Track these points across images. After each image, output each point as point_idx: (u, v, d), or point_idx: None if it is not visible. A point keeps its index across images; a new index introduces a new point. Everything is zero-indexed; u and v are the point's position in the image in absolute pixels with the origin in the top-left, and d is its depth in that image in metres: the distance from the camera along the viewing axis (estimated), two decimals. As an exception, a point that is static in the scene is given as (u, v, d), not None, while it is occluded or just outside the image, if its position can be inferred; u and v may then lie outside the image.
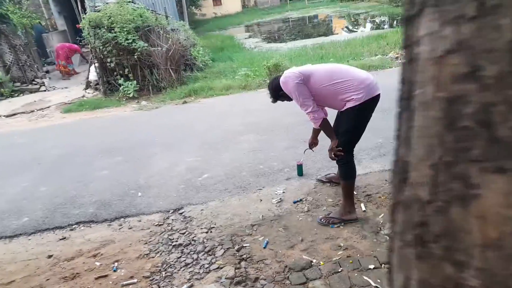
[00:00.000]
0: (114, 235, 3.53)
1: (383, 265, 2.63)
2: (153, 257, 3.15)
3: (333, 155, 3.04)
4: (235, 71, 10.04)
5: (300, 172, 4.05)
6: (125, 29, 8.91)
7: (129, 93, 9.15)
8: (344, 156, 3.00)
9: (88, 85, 10.11)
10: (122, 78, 9.35)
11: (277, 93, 3.18)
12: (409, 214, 0.61)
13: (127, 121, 7.25)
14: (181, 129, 6.25)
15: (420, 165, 0.57)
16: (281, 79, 3.07)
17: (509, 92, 0.45)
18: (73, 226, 3.76)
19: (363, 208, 3.34)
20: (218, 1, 35.58)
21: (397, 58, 9.04)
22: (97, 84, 9.90)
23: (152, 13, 9.90)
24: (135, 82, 9.29)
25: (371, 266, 2.62)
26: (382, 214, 3.24)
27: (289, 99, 3.19)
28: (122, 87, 9.24)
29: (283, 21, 25.73)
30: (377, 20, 21.06)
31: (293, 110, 6.09)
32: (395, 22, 18.90)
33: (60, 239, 3.56)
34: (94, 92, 9.91)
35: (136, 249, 3.28)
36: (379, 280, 2.50)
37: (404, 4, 0.57)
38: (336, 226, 3.14)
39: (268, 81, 8.34)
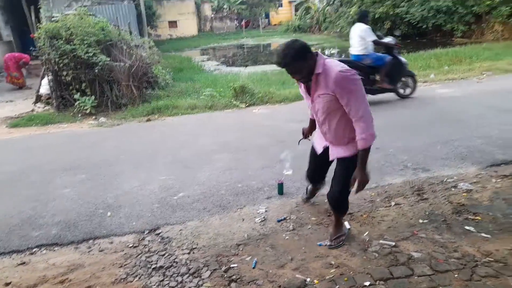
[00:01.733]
0: (82, 259, 3.20)
1: (377, 281, 2.62)
2: (131, 281, 2.88)
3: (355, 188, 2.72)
4: (198, 92, 9.95)
5: (280, 191, 4.01)
6: (85, 42, 8.52)
7: (86, 109, 8.66)
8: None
9: (38, 98, 9.42)
10: (78, 93, 8.84)
11: (300, 56, 2.40)
12: None
13: (86, 137, 6.80)
14: (149, 147, 5.97)
15: None
16: (336, 67, 2.42)
17: None
18: (33, 250, 3.36)
19: (348, 226, 3.36)
20: (174, 24, 35.60)
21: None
22: (49, 98, 9.25)
23: (115, 27, 9.59)
24: (93, 97, 8.82)
25: (367, 283, 2.61)
26: (367, 232, 3.28)
27: (309, 74, 2.51)
28: (78, 102, 8.72)
29: (239, 47, 26.29)
30: (327, 52, 22.23)
31: (265, 132, 6.16)
32: (344, 55, 20.11)
33: (19, 264, 3.16)
34: (45, 106, 9.24)
35: (110, 273, 2.99)
36: (377, 297, 2.49)
37: None
38: (329, 244, 3.11)
39: (234, 102, 8.41)
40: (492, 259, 2.77)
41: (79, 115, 8.62)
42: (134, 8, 12.87)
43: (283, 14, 44.17)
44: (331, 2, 30.33)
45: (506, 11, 17.78)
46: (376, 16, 20.71)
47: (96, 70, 8.54)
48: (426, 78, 9.83)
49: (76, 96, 8.77)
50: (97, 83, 9.04)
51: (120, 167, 5.08)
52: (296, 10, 39.71)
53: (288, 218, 3.57)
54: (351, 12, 22.87)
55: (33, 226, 3.70)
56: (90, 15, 9.73)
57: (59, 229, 3.63)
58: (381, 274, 2.68)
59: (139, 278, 2.91)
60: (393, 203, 3.73)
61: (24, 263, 3.17)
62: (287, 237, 3.27)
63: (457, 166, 4.48)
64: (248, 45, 26.69)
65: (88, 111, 8.66)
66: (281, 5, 45.22)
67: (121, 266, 3.07)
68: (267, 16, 44.36)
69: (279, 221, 3.52)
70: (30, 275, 3.02)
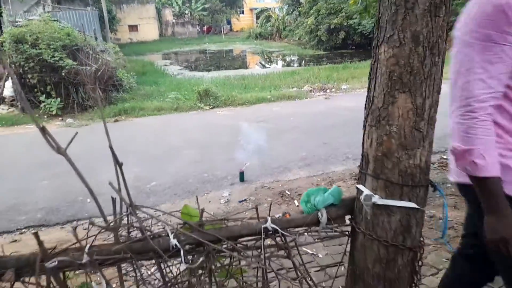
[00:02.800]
0: (70, 236, 3.69)
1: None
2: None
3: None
4: (163, 95, 10.42)
5: (242, 178, 4.69)
6: (51, 47, 8.76)
7: (52, 111, 8.88)
8: None
9: (2, 100, 9.47)
10: (43, 95, 9.03)
11: None
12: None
13: (56, 137, 7.07)
14: (120, 144, 6.42)
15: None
16: None
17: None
18: (23, 230, 3.79)
19: (296, 204, 4.09)
20: (134, 28, 35.34)
21: (310, 91, 10.43)
22: (13, 100, 9.36)
23: (81, 33, 9.87)
24: (58, 99, 9.05)
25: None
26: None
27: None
28: (43, 104, 8.92)
29: (202, 52, 26.79)
30: (288, 58, 23.36)
31: (228, 131, 6.82)
32: (303, 62, 21.31)
33: (11, 242, 3.58)
34: (9, 108, 9.32)
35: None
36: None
37: (374, 38, 1.21)
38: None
39: (198, 104, 8.99)
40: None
41: (45, 116, 8.82)
42: (97, 15, 13.09)
43: (244, 21, 45.19)
44: (290, 12, 31.74)
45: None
46: (332, 26, 22.07)
47: (63, 73, 8.79)
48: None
49: (42, 98, 8.96)
50: (62, 86, 9.27)
51: (94, 163, 5.51)
52: (257, 17, 40.86)
53: (248, 199, 4.24)
54: (308, 22, 24.18)
55: (19, 212, 4.11)
56: (54, 20, 9.94)
57: (43, 213, 4.07)
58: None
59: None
60: (334, 186, 4.52)
61: (15, 240, 3.59)
62: (247, 213, 3.94)
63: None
64: (210, 51, 27.23)
65: (54, 113, 8.88)
66: (242, 12, 46.24)
67: (104, 240, 3.59)
68: (229, 22, 45.16)
69: (240, 201, 4.19)
70: (25, 249, 3.46)
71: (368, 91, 1.14)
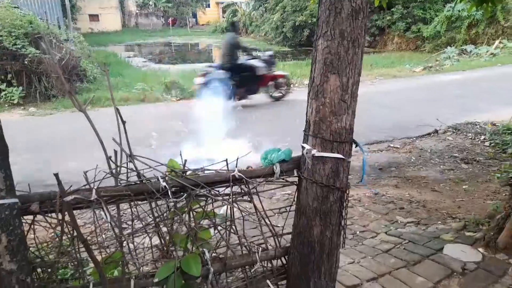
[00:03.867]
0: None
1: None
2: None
3: None
4: (128, 86, 10.45)
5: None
6: (13, 34, 8.57)
7: (13, 99, 8.71)
8: None
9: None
10: (4, 84, 8.82)
11: None
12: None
13: (21, 125, 7.06)
14: (88, 133, 6.52)
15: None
16: None
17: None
18: None
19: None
20: (95, 17, 34.28)
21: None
22: (-30, 88, 9.04)
23: (43, 21, 9.68)
24: (20, 88, 8.88)
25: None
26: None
27: None
28: (4, 92, 8.72)
29: (166, 45, 26.56)
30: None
31: (195, 118, 7.16)
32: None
33: None
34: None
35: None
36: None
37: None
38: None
39: (165, 96, 9.15)
40: (351, 198, 4.10)
41: (6, 105, 8.63)
42: (60, 3, 12.78)
43: (210, 14, 44.95)
44: (256, 8, 32.09)
45: (402, 26, 20.97)
46: (297, 24, 22.69)
47: (26, 62, 8.64)
48: (332, 80, 11.58)
49: (2, 86, 8.75)
50: (24, 74, 9.09)
51: (63, 149, 5.63)
52: (224, 12, 40.84)
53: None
54: (274, 19, 24.67)
55: None
56: (14, 7, 9.69)
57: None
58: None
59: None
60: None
61: None
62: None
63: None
64: (176, 44, 27.06)
65: (15, 102, 8.71)
66: (208, 6, 45.93)
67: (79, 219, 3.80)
68: (194, 15, 44.75)
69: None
70: None
71: (310, 73, 1.53)
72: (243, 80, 7.98)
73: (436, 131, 6.51)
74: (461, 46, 16.89)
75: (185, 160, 1.55)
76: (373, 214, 3.80)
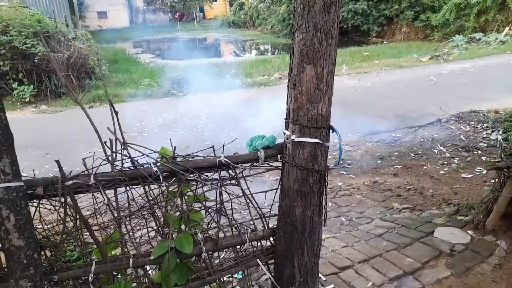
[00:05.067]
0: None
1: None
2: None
3: None
4: (136, 82, 10.64)
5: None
6: (22, 33, 8.81)
7: (25, 98, 8.98)
8: None
9: (-28, 88, 9.44)
10: (16, 83, 9.10)
11: None
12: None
13: (33, 122, 7.32)
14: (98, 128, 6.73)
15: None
16: None
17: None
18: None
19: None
20: (103, 14, 34.56)
21: (280, 78, 10.95)
22: (-16, 87, 9.34)
23: (52, 20, 9.91)
24: (31, 87, 9.15)
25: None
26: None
27: None
28: (16, 91, 8.99)
29: (174, 41, 26.72)
30: (261, 47, 23.78)
31: (203, 114, 7.26)
32: (276, 50, 21.80)
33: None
34: (-20, 95, 9.31)
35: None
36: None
37: (292, 27, 1.75)
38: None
39: (172, 91, 9.31)
40: (350, 187, 4.21)
41: (18, 104, 8.91)
42: (68, 1, 13.01)
43: (217, 8, 44.94)
44: (263, 0, 32.00)
45: (410, 15, 20.71)
46: (302, 15, 22.57)
47: (36, 61, 8.88)
48: (338, 72, 11.59)
49: (14, 85, 9.02)
50: (34, 73, 9.35)
51: (73, 144, 5.83)
52: (231, 5, 40.81)
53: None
54: (281, 11, 24.60)
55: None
56: (23, 7, 9.93)
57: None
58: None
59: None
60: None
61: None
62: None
63: (346, 135, 5.98)
64: (183, 39, 27.21)
65: (27, 100, 8.98)
66: (215, 0, 45.95)
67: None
68: (201, 10, 44.78)
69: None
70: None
71: (289, 64, 1.64)
72: None
73: (438, 120, 6.53)
74: (470, 34, 16.65)
75: (175, 147, 1.68)
76: (370, 201, 3.90)
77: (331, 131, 1.68)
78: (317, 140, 1.61)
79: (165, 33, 30.08)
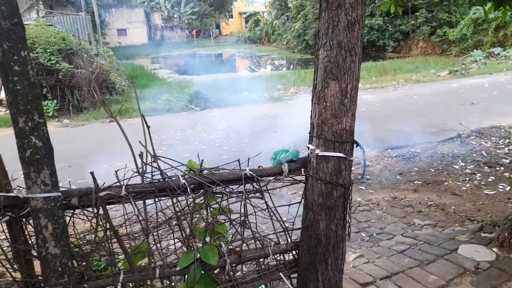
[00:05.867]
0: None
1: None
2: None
3: None
4: (154, 97, 10.88)
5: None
6: (48, 51, 9.18)
7: (49, 112, 9.28)
8: None
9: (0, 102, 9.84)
10: (40, 97, 9.43)
11: None
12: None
13: (56, 136, 7.49)
14: (118, 142, 6.90)
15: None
16: None
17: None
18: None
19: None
20: (123, 31, 35.62)
21: (296, 93, 11.03)
22: (10, 102, 9.72)
23: (76, 37, 10.31)
24: (55, 101, 9.47)
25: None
26: (292, 192, 4.56)
27: None
28: (40, 106, 9.31)
29: (191, 57, 27.28)
30: (277, 62, 24.04)
31: (221, 128, 7.33)
32: (291, 66, 22.01)
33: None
34: (6, 110, 9.67)
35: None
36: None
37: (316, 45, 1.79)
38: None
39: (189, 106, 9.48)
40: (369, 202, 4.18)
41: (42, 117, 9.23)
42: (90, 20, 13.52)
43: (233, 25, 45.85)
44: (278, 16, 32.50)
45: (427, 30, 20.68)
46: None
47: (60, 76, 9.22)
48: (354, 87, 11.60)
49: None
50: (58, 88, 9.69)
51: (95, 158, 5.98)
52: (246, 22, 41.55)
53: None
54: (296, 27, 24.91)
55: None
56: (49, 25, 10.37)
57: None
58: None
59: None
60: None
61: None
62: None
63: (364, 150, 5.94)
64: (200, 55, 27.75)
65: (50, 114, 9.29)
66: (231, 16, 46.86)
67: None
68: (218, 26, 45.74)
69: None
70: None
71: (313, 80, 1.68)
72: None
73: (459, 136, 6.45)
74: (488, 48, 16.48)
75: (202, 160, 1.73)
76: (390, 217, 3.86)
77: (354, 145, 1.70)
78: (342, 154, 1.64)
79: (182, 49, 30.76)
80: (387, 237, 3.41)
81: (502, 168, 4.94)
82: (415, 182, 4.77)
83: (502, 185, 4.36)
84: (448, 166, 5.23)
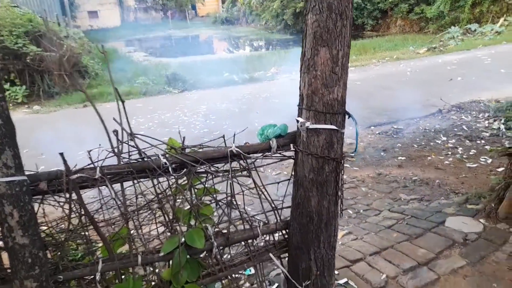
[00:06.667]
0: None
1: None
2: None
3: None
4: (130, 80, 10.51)
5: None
6: (14, 33, 8.65)
7: (18, 99, 8.83)
8: None
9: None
10: (7, 83, 8.94)
11: None
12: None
13: (26, 122, 7.17)
14: (94, 126, 6.62)
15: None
16: None
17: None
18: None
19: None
20: (94, 14, 34.14)
21: (276, 73, 10.87)
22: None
23: (43, 19, 9.74)
24: (24, 87, 9.00)
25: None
26: (277, 172, 4.48)
27: None
28: (8, 92, 8.83)
29: (167, 39, 26.51)
30: (255, 43, 23.65)
31: (200, 110, 7.09)
32: (271, 46, 21.70)
33: None
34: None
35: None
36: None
37: (304, 8, 1.66)
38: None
39: (167, 88, 9.19)
40: (354, 179, 4.15)
41: (11, 105, 8.75)
42: (58, 1, 12.82)
43: (210, 5, 44.60)
44: (255, -4, 31.77)
45: (405, 8, 20.68)
46: (297, 10, 22.46)
47: (28, 60, 8.73)
48: (334, 65, 11.53)
49: (6, 86, 8.86)
50: (27, 73, 9.19)
51: (68, 144, 5.70)
52: (223, 2, 40.52)
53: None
54: (274, 6, 24.44)
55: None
56: (14, 6, 9.76)
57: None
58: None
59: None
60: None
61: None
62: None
63: (347, 128, 5.90)
64: (176, 37, 27.00)
65: (19, 101, 8.84)
66: (207, -3, 45.60)
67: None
68: (193, 7, 44.42)
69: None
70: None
71: (302, 47, 1.56)
72: None
73: (440, 111, 6.49)
74: (465, 25, 16.64)
75: (184, 137, 1.60)
76: (376, 193, 3.84)
77: (346, 116, 1.61)
78: (333, 127, 1.54)
79: (157, 31, 29.82)
80: (374, 213, 3.39)
81: (482, 141, 5.00)
82: (399, 158, 4.78)
83: (484, 158, 4.42)
84: (431, 141, 5.26)
